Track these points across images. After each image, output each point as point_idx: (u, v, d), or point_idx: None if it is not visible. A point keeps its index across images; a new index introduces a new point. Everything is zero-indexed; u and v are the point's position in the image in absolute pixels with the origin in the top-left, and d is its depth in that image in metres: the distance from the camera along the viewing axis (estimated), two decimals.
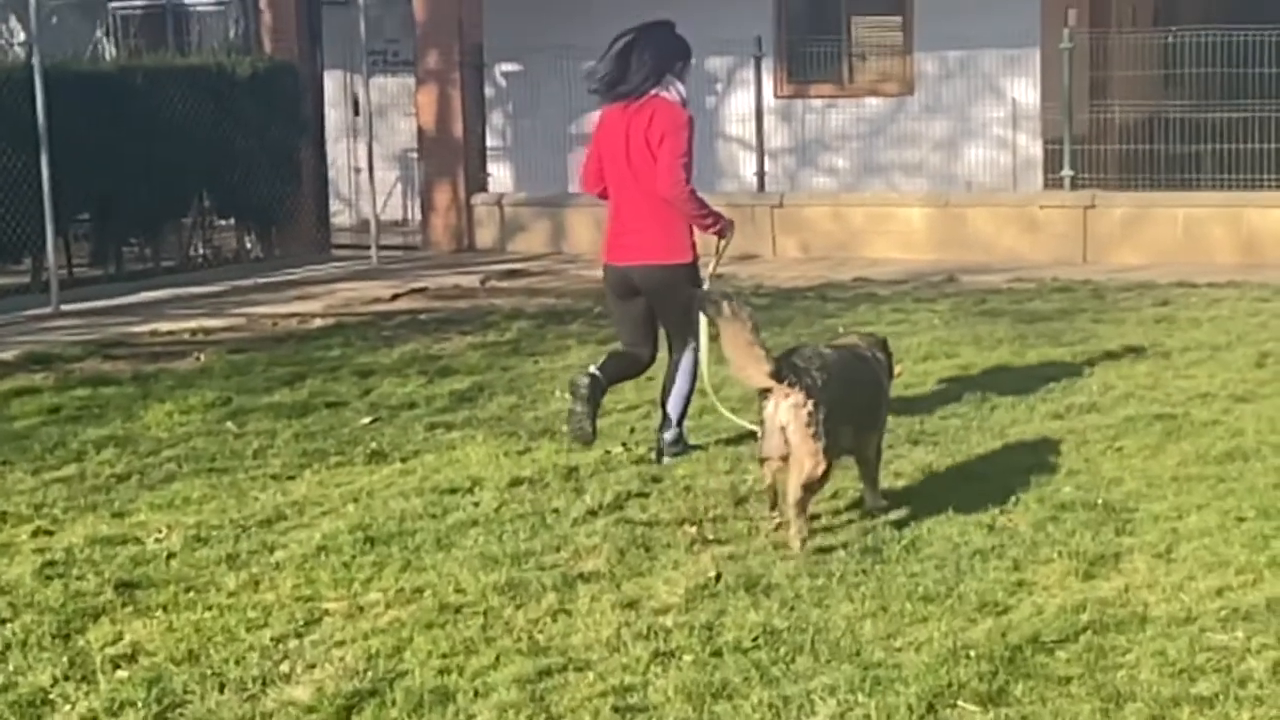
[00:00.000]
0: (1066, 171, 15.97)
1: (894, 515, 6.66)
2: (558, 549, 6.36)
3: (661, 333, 8.00)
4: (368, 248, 16.93)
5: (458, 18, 17.54)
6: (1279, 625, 5.27)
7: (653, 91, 7.62)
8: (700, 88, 17.84)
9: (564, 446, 8.01)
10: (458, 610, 5.68)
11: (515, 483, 7.34)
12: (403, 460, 7.92)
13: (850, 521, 6.62)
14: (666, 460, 7.73)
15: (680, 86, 7.73)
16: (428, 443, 8.28)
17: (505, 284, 14.80)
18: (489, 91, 18.54)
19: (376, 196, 17.66)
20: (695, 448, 7.89)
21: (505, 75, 18.89)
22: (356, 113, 18.89)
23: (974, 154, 17.46)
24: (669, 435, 7.86)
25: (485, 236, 17.77)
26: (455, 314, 12.84)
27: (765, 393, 6.35)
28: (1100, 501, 6.75)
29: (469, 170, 17.78)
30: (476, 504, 7.03)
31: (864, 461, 6.75)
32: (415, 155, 18.39)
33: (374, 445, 8.23)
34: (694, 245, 7.73)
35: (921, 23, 17.67)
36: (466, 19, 17.61)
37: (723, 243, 7.82)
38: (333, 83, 19.41)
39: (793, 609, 5.58)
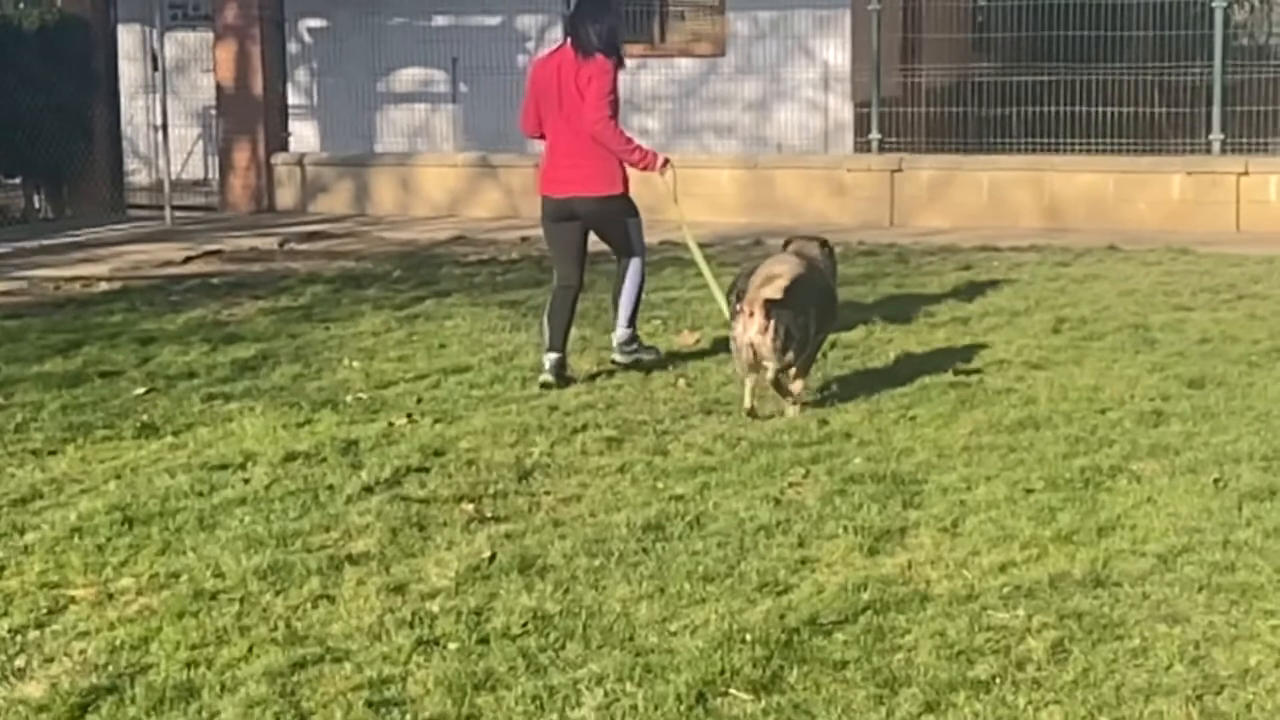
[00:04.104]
0: (874, 135, 15.93)
1: (679, 489, 6.48)
2: (327, 529, 6.07)
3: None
4: (163, 208, 16.34)
5: None
6: (1060, 603, 5.16)
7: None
8: (510, 47, 17.57)
9: (345, 419, 7.70)
10: (214, 596, 5.37)
11: (290, 457, 7.02)
12: (174, 434, 7.54)
13: (637, 496, 6.43)
14: (619, 358, 8.64)
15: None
16: (203, 415, 7.91)
17: (304, 246, 14.37)
18: (291, 48, 18.00)
19: (177, 155, 17.07)
20: (650, 348, 8.82)
21: (309, 31, 18.36)
22: (156, 68, 18.22)
23: (785, 116, 17.35)
24: (620, 335, 8.66)
25: (286, 197, 17.26)
26: (248, 278, 12.40)
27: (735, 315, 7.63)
28: (889, 473, 6.62)
29: (269, 129, 17.24)
30: (247, 480, 6.70)
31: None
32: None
33: (145, 418, 7.84)
34: (626, 178, 8.50)
35: None
36: None
37: (668, 177, 8.50)
38: (130, 37, 18.72)
39: (567, 591, 5.35)
